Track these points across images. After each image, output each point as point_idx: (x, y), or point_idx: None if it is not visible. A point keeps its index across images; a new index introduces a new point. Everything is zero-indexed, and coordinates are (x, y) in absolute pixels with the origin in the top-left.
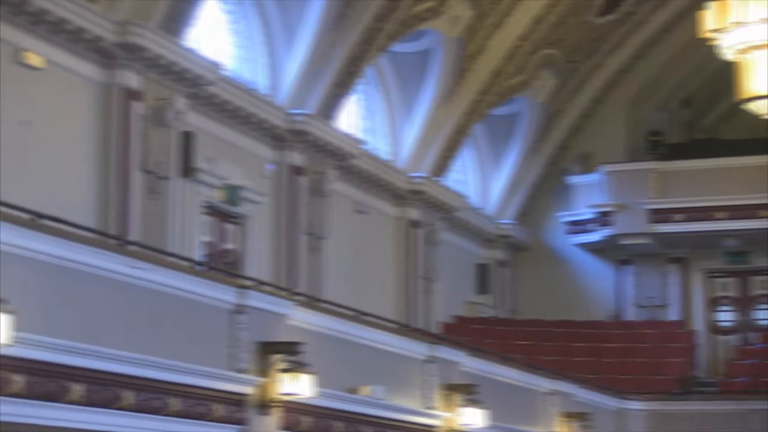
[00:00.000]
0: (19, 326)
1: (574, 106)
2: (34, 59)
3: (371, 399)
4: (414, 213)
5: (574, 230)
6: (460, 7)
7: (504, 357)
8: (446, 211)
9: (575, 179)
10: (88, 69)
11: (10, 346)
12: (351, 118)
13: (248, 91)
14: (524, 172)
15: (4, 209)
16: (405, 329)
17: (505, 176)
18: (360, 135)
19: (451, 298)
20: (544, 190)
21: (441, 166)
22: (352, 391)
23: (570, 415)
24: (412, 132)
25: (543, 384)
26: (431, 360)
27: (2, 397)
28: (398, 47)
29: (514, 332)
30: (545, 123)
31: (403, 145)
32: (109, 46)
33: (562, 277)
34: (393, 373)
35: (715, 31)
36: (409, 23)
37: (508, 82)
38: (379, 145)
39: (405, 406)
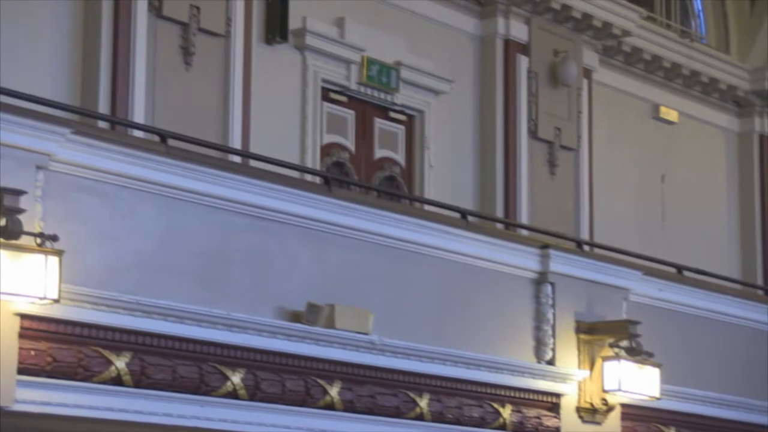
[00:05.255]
0: (666, 379)
1: None
2: (669, 114)
3: None
4: None
5: None
6: None
7: None
8: None
9: None
10: (723, 119)
11: (660, 399)
12: None
13: None
14: None
15: (648, 263)
16: None
17: None
18: None
19: None
20: None
21: None
22: None
23: None
24: None
25: None
26: None
27: None
28: None
29: None
30: None
31: None
32: (743, 95)
33: None
34: None
35: None
36: None
37: None
38: None
39: None
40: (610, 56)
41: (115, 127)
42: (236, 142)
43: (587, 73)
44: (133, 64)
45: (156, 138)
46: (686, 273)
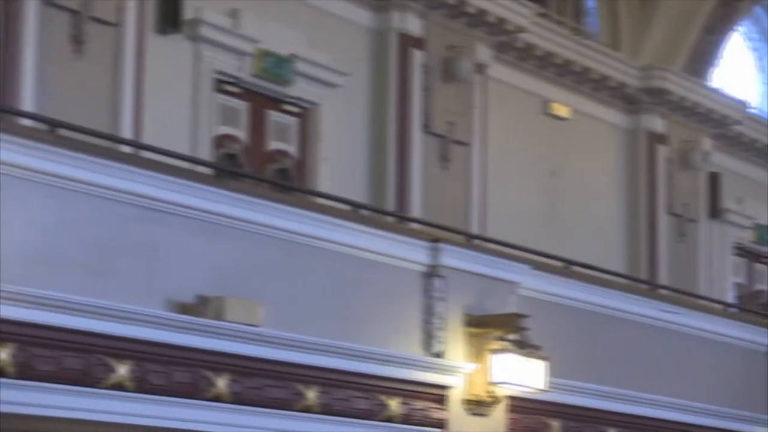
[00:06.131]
0: (553, 372)
1: None
2: (560, 110)
3: None
4: None
5: None
6: None
7: None
8: None
9: None
10: (613, 116)
11: (546, 391)
12: None
13: None
14: None
15: (536, 258)
16: None
17: None
18: None
19: None
20: None
21: None
22: None
23: None
24: None
25: None
26: None
27: None
28: None
29: None
30: None
31: None
32: (633, 92)
33: None
34: None
35: None
36: None
37: None
38: None
39: None
40: (504, 52)
41: (2, 115)
42: (127, 133)
43: (481, 68)
44: (22, 51)
45: (45, 127)
46: (575, 267)
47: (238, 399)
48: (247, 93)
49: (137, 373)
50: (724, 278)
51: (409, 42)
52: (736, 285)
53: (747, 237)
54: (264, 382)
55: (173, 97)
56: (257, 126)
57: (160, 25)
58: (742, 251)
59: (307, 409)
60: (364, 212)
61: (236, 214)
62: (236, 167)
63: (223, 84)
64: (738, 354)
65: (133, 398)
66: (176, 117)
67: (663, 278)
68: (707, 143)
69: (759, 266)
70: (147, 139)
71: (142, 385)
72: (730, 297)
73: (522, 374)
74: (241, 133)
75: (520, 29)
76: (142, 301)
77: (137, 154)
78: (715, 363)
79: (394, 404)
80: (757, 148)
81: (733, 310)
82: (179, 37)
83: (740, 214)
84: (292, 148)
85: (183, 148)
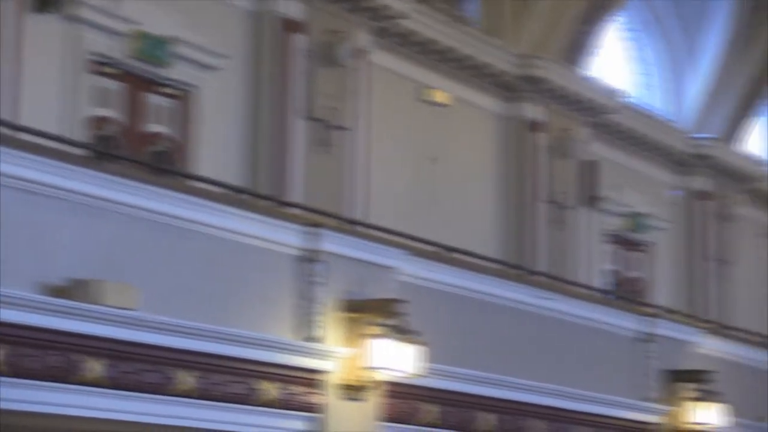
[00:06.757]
0: (430, 357)
1: None
2: (440, 96)
3: None
4: None
5: None
6: None
7: None
8: None
9: None
10: (491, 103)
11: (422, 377)
12: (757, 140)
13: (652, 118)
14: None
15: (416, 243)
16: None
17: None
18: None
19: None
20: None
21: None
22: (763, 419)
23: None
24: None
25: None
26: None
27: (417, 427)
28: None
29: None
30: None
31: None
32: (511, 80)
33: None
34: None
35: None
36: None
37: None
38: None
39: None
40: (384, 37)
41: None
42: (5, 113)
43: (362, 53)
44: None
45: None
46: (453, 253)
47: (113, 383)
48: (125, 75)
49: (12, 358)
50: (598, 265)
51: (289, 26)
52: (613, 272)
53: (622, 225)
54: (140, 367)
55: (49, 77)
56: (135, 108)
57: (37, 4)
58: (618, 239)
59: (184, 394)
60: (242, 196)
61: (112, 196)
62: (113, 149)
63: (100, 65)
64: (610, 340)
65: (8, 383)
66: (52, 98)
67: (541, 265)
68: (585, 132)
69: (632, 254)
70: (23, 120)
71: (16, 370)
72: (603, 283)
73: (399, 359)
74: (118, 114)
75: (401, 15)
76: (16, 284)
77: (13, 136)
78: (590, 349)
79: (271, 389)
80: (634, 137)
81: (606, 296)
82: (57, 16)
83: (616, 202)
84: (170, 131)
85: (59, 130)
